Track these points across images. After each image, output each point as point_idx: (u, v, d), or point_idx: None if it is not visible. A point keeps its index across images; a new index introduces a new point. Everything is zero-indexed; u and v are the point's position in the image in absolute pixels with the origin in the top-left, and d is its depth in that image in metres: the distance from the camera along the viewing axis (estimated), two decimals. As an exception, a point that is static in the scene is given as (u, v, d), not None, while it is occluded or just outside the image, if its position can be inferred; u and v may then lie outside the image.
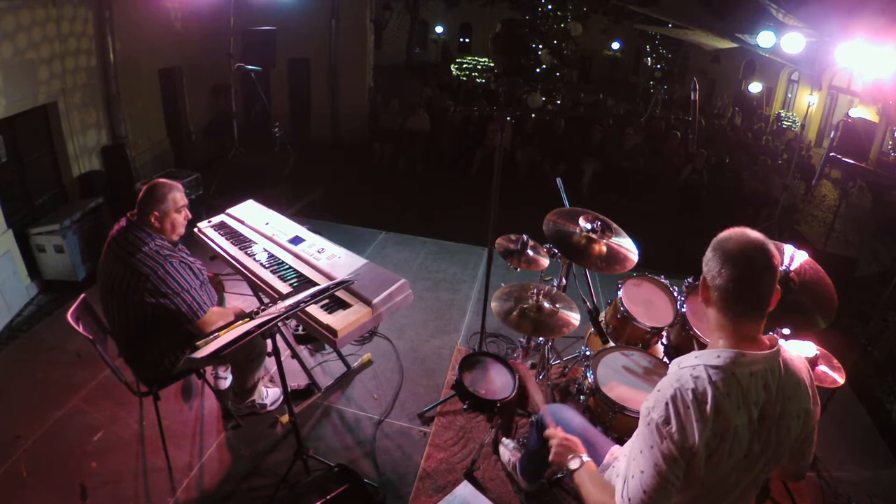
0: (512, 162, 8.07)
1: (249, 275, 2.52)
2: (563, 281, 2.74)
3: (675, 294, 2.70)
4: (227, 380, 2.89)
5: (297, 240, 2.72)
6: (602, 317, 2.78)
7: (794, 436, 1.25)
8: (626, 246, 2.53)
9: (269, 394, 2.76)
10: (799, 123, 11.22)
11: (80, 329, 2.08)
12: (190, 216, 2.33)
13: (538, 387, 2.05)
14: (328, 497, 2.01)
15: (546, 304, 2.51)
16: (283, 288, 2.36)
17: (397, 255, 4.64)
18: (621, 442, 1.80)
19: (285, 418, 2.63)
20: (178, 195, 2.24)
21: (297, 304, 1.86)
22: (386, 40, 16.83)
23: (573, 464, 1.47)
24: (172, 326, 2.16)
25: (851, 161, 5.56)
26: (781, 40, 5.99)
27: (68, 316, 2.12)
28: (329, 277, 2.39)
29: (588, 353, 2.89)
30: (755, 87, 12.86)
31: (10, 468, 2.32)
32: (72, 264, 4.04)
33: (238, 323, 1.86)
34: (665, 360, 2.48)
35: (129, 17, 5.20)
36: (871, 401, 3.40)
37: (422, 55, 19.94)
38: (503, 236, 2.83)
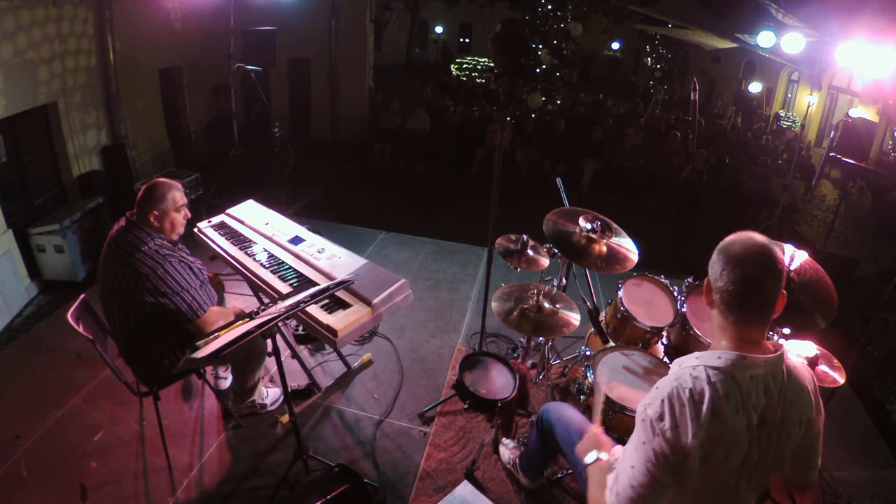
0: (512, 162, 8.07)
1: (249, 275, 2.52)
2: (563, 281, 2.74)
3: (675, 294, 2.70)
4: (227, 380, 2.89)
5: (297, 240, 2.72)
6: (602, 317, 2.78)
7: (794, 443, 1.23)
8: (626, 246, 2.53)
9: (269, 394, 2.76)
10: (799, 123, 11.21)
11: (80, 329, 2.08)
12: (189, 215, 2.33)
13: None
14: (328, 497, 2.01)
15: (546, 304, 2.51)
16: (283, 288, 2.36)
17: (397, 255, 4.64)
18: (622, 442, 1.79)
19: (285, 418, 2.63)
20: (177, 194, 2.24)
21: (298, 304, 1.86)
22: (386, 40, 16.83)
23: (588, 458, 1.50)
24: (172, 326, 2.16)
25: (851, 161, 5.57)
26: (781, 40, 5.98)
27: (68, 316, 2.11)
28: (329, 277, 2.39)
29: (588, 353, 2.89)
30: (755, 87, 12.85)
31: (10, 468, 2.32)
32: (72, 264, 4.04)
33: (238, 323, 1.86)
34: (665, 359, 2.48)
35: (129, 17, 5.19)
36: (871, 401, 3.40)
37: (422, 55, 19.94)
38: (503, 236, 2.83)
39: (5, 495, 2.22)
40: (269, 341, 1.99)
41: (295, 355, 2.93)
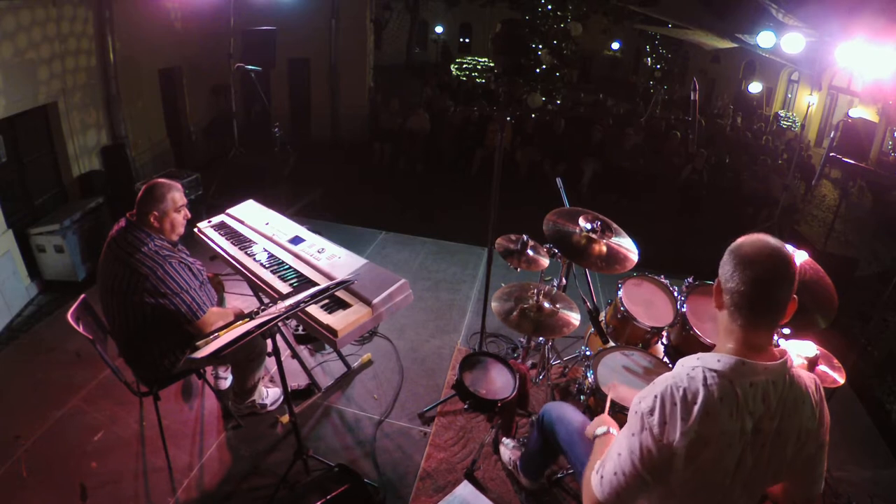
0: (512, 162, 8.07)
1: (249, 275, 2.52)
2: (563, 281, 2.74)
3: (676, 294, 2.70)
4: (227, 380, 2.89)
5: (297, 240, 2.72)
6: (602, 317, 2.78)
7: (792, 454, 1.21)
8: (626, 246, 2.53)
9: (269, 394, 2.76)
10: (799, 123, 11.21)
11: (80, 329, 2.08)
12: (189, 216, 2.33)
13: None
14: (328, 497, 2.01)
15: (546, 304, 2.51)
16: (283, 288, 2.36)
17: (397, 255, 4.64)
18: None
19: (285, 418, 2.63)
20: (176, 195, 2.24)
21: (298, 304, 1.86)
22: (386, 40, 16.83)
23: (600, 430, 1.55)
24: (172, 326, 2.16)
25: (851, 161, 5.57)
26: (781, 40, 5.99)
27: (68, 316, 2.11)
28: (329, 277, 2.39)
29: (588, 353, 2.89)
30: (755, 87, 12.86)
31: (10, 468, 2.32)
32: (72, 264, 4.04)
33: (238, 323, 1.86)
34: (665, 360, 2.48)
35: (129, 17, 5.19)
36: (871, 401, 3.40)
37: (422, 55, 19.93)
38: (503, 236, 2.83)
39: (5, 495, 2.22)
40: (269, 341, 1.99)
41: (295, 355, 2.93)
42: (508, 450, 2.49)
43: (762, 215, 6.87)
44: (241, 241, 2.77)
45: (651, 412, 1.17)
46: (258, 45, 6.15)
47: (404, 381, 3.05)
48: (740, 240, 1.20)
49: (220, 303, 2.65)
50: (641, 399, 1.21)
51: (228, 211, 3.05)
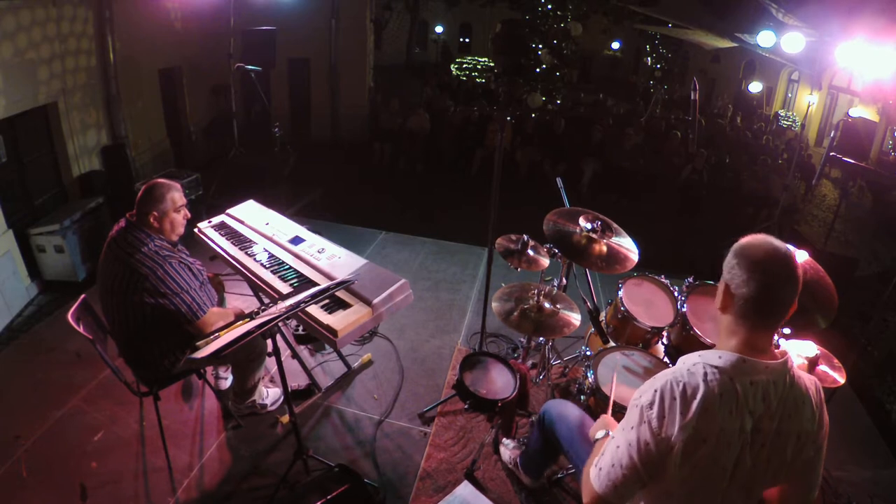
0: (512, 162, 8.07)
1: (249, 275, 2.52)
2: (564, 281, 2.74)
3: (676, 294, 2.70)
4: (227, 380, 2.89)
5: (297, 240, 2.72)
6: (602, 317, 2.78)
7: (791, 456, 1.21)
8: (626, 246, 2.53)
9: (269, 394, 2.76)
10: (799, 123, 11.21)
11: (80, 329, 2.08)
12: (189, 215, 2.33)
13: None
14: (328, 497, 2.01)
15: (546, 305, 2.51)
16: (284, 288, 2.36)
17: (397, 255, 4.64)
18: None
19: (285, 418, 2.63)
20: (176, 195, 2.24)
21: (298, 304, 1.86)
22: (386, 40, 16.83)
23: (600, 433, 1.53)
24: (172, 327, 2.16)
25: (851, 161, 5.56)
26: (781, 40, 5.98)
27: (68, 316, 2.11)
28: (329, 277, 2.39)
29: (588, 353, 2.89)
30: (755, 87, 12.86)
31: (10, 468, 2.32)
32: (72, 264, 4.04)
33: (238, 323, 1.86)
34: (665, 360, 2.48)
35: (129, 17, 5.19)
36: (871, 401, 3.40)
37: (422, 55, 19.93)
38: (503, 236, 2.82)
39: (5, 495, 2.22)
40: (269, 341, 1.99)
41: (295, 355, 2.93)
42: (509, 450, 2.49)
43: (762, 215, 6.87)
44: (241, 241, 2.77)
45: (650, 406, 1.17)
46: (258, 45, 6.15)
47: (404, 381, 3.05)
48: (746, 242, 1.19)
49: (221, 303, 2.65)
50: (641, 393, 1.22)
51: (228, 211, 3.05)
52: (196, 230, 2.89)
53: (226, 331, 1.80)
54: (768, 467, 1.20)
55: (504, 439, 2.55)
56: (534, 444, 2.21)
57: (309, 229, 2.84)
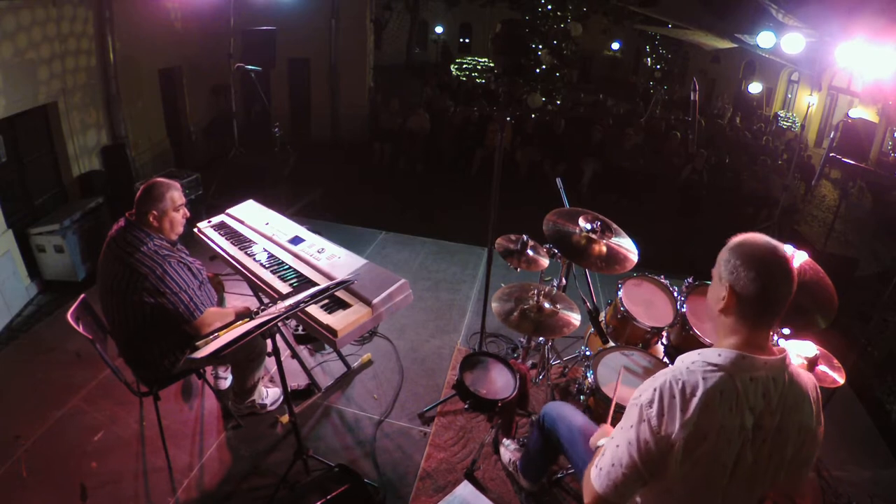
0: (512, 162, 8.07)
1: (249, 275, 2.52)
2: (563, 281, 2.74)
3: (675, 294, 2.70)
4: (227, 380, 2.89)
5: (297, 240, 2.72)
6: (602, 317, 2.78)
7: (791, 453, 1.21)
8: (626, 246, 2.53)
9: (269, 394, 2.76)
10: (799, 124, 11.21)
11: (80, 329, 2.08)
12: (188, 214, 2.34)
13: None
14: (328, 497, 2.01)
15: (546, 305, 2.51)
16: (283, 288, 2.36)
17: (397, 255, 4.64)
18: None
19: (285, 418, 2.63)
20: (175, 194, 2.24)
21: (297, 304, 1.86)
22: (386, 40, 16.83)
23: (601, 441, 1.51)
24: (171, 326, 2.16)
25: (851, 161, 5.57)
26: (781, 40, 5.98)
27: (68, 316, 2.11)
28: (329, 277, 2.39)
29: (588, 353, 2.89)
30: (755, 88, 12.86)
31: (10, 468, 2.32)
32: (72, 264, 4.04)
33: (238, 323, 1.86)
34: (665, 360, 2.48)
35: (129, 17, 5.20)
36: (871, 401, 3.40)
37: (422, 55, 19.93)
38: (503, 236, 2.83)
39: (5, 495, 2.21)
40: (269, 341, 1.98)
41: (295, 355, 2.93)
42: (509, 451, 2.49)
43: (762, 215, 6.87)
44: (241, 241, 2.77)
45: (650, 404, 1.17)
46: (258, 45, 6.15)
47: (404, 381, 3.05)
48: (745, 242, 1.20)
49: (220, 303, 2.65)
50: (641, 392, 1.22)
51: (228, 211, 3.05)
52: (196, 230, 2.89)
53: (226, 330, 1.81)
54: (769, 463, 1.21)
55: (504, 440, 2.54)
56: (534, 444, 2.20)
57: (309, 229, 2.84)
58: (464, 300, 3.97)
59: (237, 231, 2.87)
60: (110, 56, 5.00)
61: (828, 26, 6.56)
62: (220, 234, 2.84)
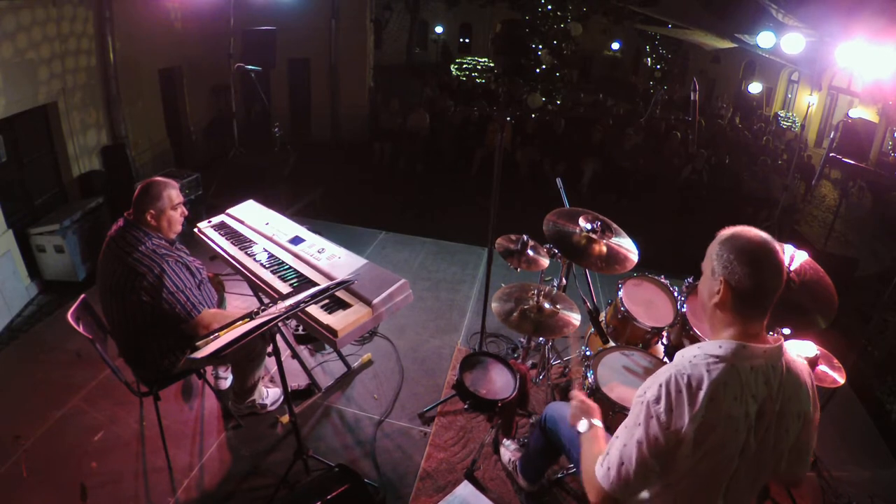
0: (512, 162, 8.07)
1: (249, 275, 2.52)
2: (564, 281, 2.74)
3: (676, 294, 2.70)
4: (227, 380, 2.89)
5: (297, 240, 2.72)
6: (602, 317, 2.78)
7: (793, 438, 1.24)
8: (626, 246, 2.53)
9: (269, 394, 2.76)
10: (799, 123, 11.21)
11: (80, 329, 2.08)
12: (186, 213, 2.34)
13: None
14: (328, 497, 2.00)
15: (546, 305, 2.51)
16: (283, 288, 2.36)
17: (397, 255, 4.63)
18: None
19: (285, 418, 2.63)
20: (173, 192, 2.24)
21: (298, 304, 1.86)
22: (386, 40, 16.85)
23: (582, 426, 1.53)
24: (171, 326, 2.16)
25: (851, 161, 5.57)
26: (781, 40, 5.99)
27: (68, 316, 2.11)
28: (329, 277, 2.39)
29: (588, 353, 2.89)
30: (755, 88, 12.87)
31: (10, 468, 2.32)
32: (72, 264, 4.04)
33: (238, 323, 1.86)
34: (665, 360, 2.48)
35: (129, 17, 5.20)
36: (871, 401, 3.40)
37: (422, 55, 19.95)
38: (503, 236, 2.82)
39: (5, 495, 2.21)
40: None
41: (295, 355, 2.92)
42: (509, 451, 2.49)
43: (762, 215, 6.87)
44: (241, 241, 2.76)
45: (657, 400, 1.18)
46: (258, 45, 6.15)
47: (404, 381, 3.05)
48: (737, 236, 1.21)
49: (220, 303, 2.65)
50: (646, 389, 1.22)
51: (228, 211, 3.05)
52: (196, 230, 2.89)
53: (226, 330, 1.80)
54: (774, 450, 1.23)
55: (504, 440, 2.54)
56: (535, 445, 2.20)
57: (309, 229, 2.83)
58: (464, 300, 3.97)
59: (237, 231, 2.87)
60: (110, 56, 5.00)
61: (828, 26, 6.56)
62: (220, 234, 2.84)
